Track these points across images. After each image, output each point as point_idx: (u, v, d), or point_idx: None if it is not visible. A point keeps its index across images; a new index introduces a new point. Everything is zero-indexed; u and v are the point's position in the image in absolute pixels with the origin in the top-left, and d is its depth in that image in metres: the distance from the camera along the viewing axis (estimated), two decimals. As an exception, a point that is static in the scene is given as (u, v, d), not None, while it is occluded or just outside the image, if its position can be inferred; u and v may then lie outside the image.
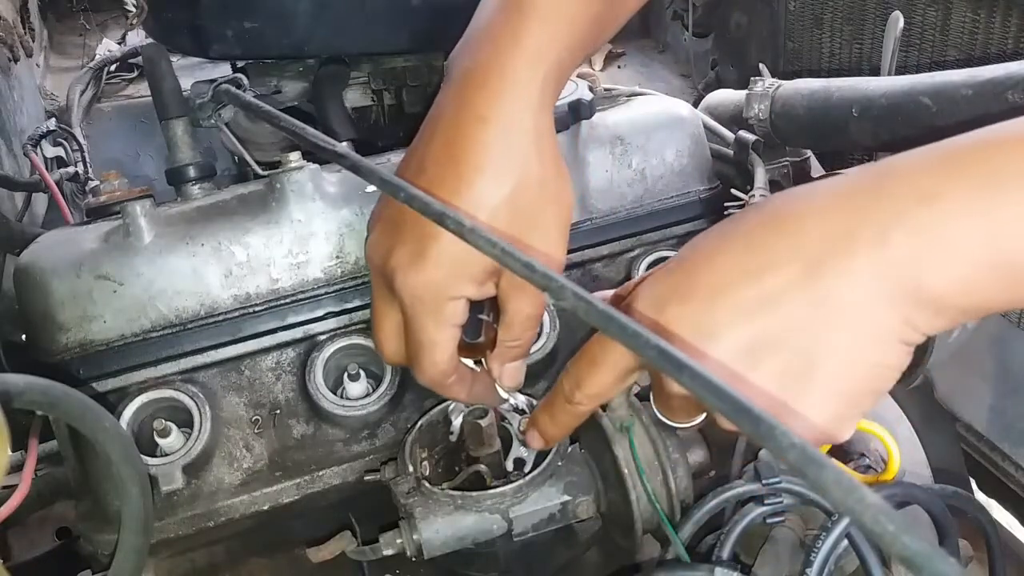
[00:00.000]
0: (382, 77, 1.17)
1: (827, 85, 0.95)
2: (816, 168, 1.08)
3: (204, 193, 0.88)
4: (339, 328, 0.83)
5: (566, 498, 0.73)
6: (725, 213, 0.91)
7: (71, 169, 1.32)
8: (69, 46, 1.98)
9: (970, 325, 0.80)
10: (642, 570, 0.77)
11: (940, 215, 0.47)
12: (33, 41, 1.60)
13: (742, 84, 1.06)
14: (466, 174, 0.63)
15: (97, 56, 1.85)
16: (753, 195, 0.91)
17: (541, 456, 0.75)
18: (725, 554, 0.68)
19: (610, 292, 0.64)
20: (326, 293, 0.83)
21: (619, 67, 1.93)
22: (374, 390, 0.81)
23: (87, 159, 1.35)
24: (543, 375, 0.84)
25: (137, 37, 1.88)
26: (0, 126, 1.28)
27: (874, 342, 0.50)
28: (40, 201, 1.29)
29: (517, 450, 0.77)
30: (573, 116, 0.89)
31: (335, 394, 0.81)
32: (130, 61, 1.77)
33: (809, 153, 1.07)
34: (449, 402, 0.79)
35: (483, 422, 0.72)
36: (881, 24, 1.10)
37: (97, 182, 1.28)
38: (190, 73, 1.43)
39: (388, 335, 0.69)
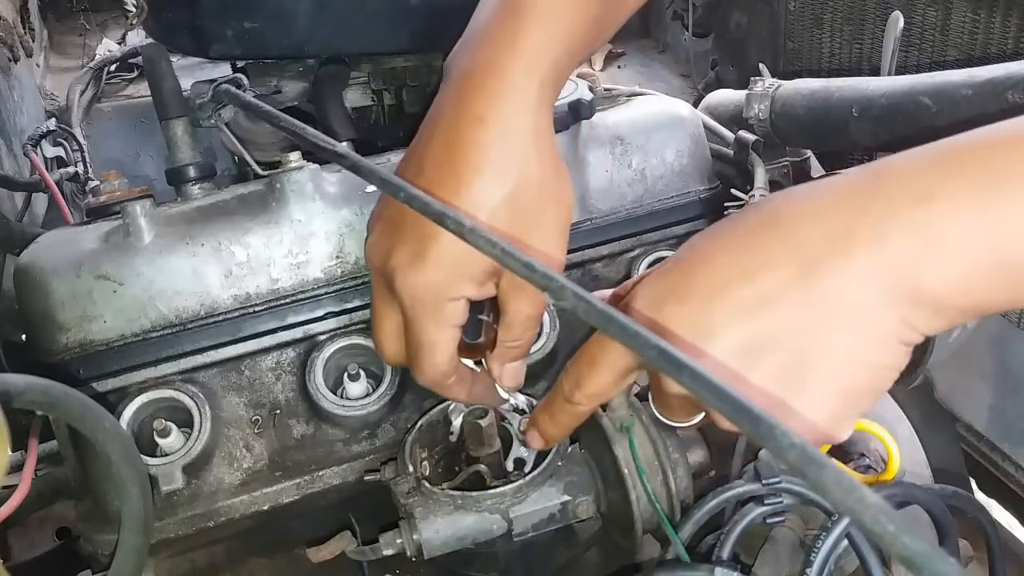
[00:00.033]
0: (382, 77, 1.17)
1: (827, 85, 0.95)
2: (816, 168, 1.08)
3: (204, 193, 0.88)
4: (339, 328, 0.83)
5: (566, 498, 0.73)
6: (725, 213, 0.91)
7: (71, 169, 1.32)
8: (69, 46, 1.98)
9: (970, 325, 0.80)
10: (642, 570, 0.77)
11: (938, 215, 0.47)
12: (33, 41, 1.60)
13: (742, 84, 1.06)
14: (465, 174, 0.63)
15: (97, 56, 1.85)
16: (753, 195, 0.91)
17: (541, 456, 0.75)
18: (725, 554, 0.68)
19: (609, 292, 0.64)
20: (326, 293, 0.83)
21: (619, 67, 1.93)
22: (374, 390, 0.81)
23: (87, 159, 1.35)
24: (543, 375, 0.84)
25: (137, 37, 1.88)
26: (0, 126, 1.28)
27: (872, 342, 0.50)
28: (40, 201, 1.29)
29: (517, 450, 0.77)
30: (573, 116, 0.89)
31: (335, 394, 0.81)
32: (130, 61, 1.77)
33: (809, 153, 1.07)
34: (449, 402, 0.79)
35: (483, 422, 0.73)
36: (881, 24, 1.10)
37: (97, 182, 1.28)
38: (190, 73, 1.43)
39: (388, 336, 0.69)
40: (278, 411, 0.83)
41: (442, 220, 0.53)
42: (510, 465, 0.76)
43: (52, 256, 0.80)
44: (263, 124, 1.05)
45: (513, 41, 0.63)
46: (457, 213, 0.53)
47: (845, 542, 0.66)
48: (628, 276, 0.91)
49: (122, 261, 0.79)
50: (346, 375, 0.80)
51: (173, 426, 0.76)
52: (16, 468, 0.72)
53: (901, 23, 1.01)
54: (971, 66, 0.81)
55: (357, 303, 0.83)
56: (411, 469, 0.74)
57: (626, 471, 0.71)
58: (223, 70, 1.24)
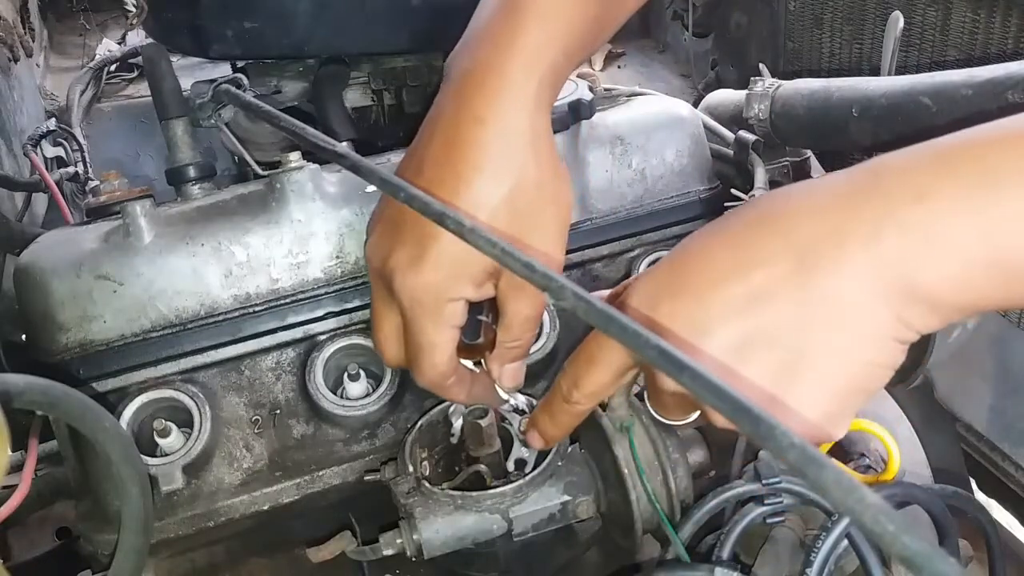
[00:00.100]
0: (382, 77, 1.17)
1: (827, 85, 0.95)
2: (816, 168, 1.09)
3: (204, 193, 0.88)
4: (339, 328, 0.83)
5: (566, 498, 0.73)
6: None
7: (71, 169, 1.32)
8: (69, 46, 1.98)
9: (970, 325, 0.80)
10: (642, 570, 0.77)
11: (934, 213, 0.47)
12: (33, 41, 1.60)
13: (742, 84, 1.06)
14: (465, 174, 0.63)
15: (97, 56, 1.85)
16: (753, 195, 0.91)
17: (542, 456, 0.75)
18: (725, 554, 0.68)
19: (607, 292, 0.64)
20: (326, 293, 0.83)
21: (619, 67, 1.93)
22: (374, 390, 0.81)
23: (87, 159, 1.35)
24: (543, 375, 0.84)
25: (137, 37, 1.88)
26: (0, 126, 1.28)
27: (868, 340, 0.50)
28: (40, 201, 1.29)
29: (518, 451, 0.77)
30: (573, 116, 0.89)
31: (335, 394, 0.81)
32: (130, 61, 1.77)
33: (809, 153, 1.07)
34: (449, 403, 0.79)
35: (483, 422, 0.72)
36: (881, 24, 1.10)
37: (97, 182, 1.28)
38: (190, 73, 1.43)
39: (388, 337, 0.69)
40: (278, 411, 0.83)
41: (442, 220, 0.53)
42: (511, 466, 0.76)
43: (52, 256, 0.80)
44: (263, 124, 1.05)
45: (512, 40, 0.63)
46: (457, 213, 0.53)
47: (845, 542, 0.66)
48: (628, 276, 0.91)
49: (122, 261, 0.79)
50: (346, 375, 0.80)
51: (173, 426, 0.76)
52: (16, 468, 0.72)
53: (901, 23, 1.01)
54: (971, 66, 0.81)
55: (357, 303, 0.83)
56: (411, 469, 0.74)
57: (626, 471, 0.71)
58: (223, 70, 1.24)
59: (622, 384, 0.65)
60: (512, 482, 0.72)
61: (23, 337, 0.83)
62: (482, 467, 0.73)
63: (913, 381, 0.81)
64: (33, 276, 0.79)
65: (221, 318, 0.81)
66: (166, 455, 0.77)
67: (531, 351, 0.78)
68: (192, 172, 0.89)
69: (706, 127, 1.01)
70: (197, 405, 0.78)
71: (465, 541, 0.72)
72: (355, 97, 1.18)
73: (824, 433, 0.52)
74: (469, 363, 0.72)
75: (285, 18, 1.04)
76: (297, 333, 0.83)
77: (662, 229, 0.93)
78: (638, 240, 0.92)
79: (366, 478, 0.79)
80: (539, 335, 0.83)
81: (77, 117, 1.56)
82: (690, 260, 0.56)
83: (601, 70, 1.88)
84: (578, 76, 0.96)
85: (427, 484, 0.73)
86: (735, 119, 1.05)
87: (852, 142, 0.92)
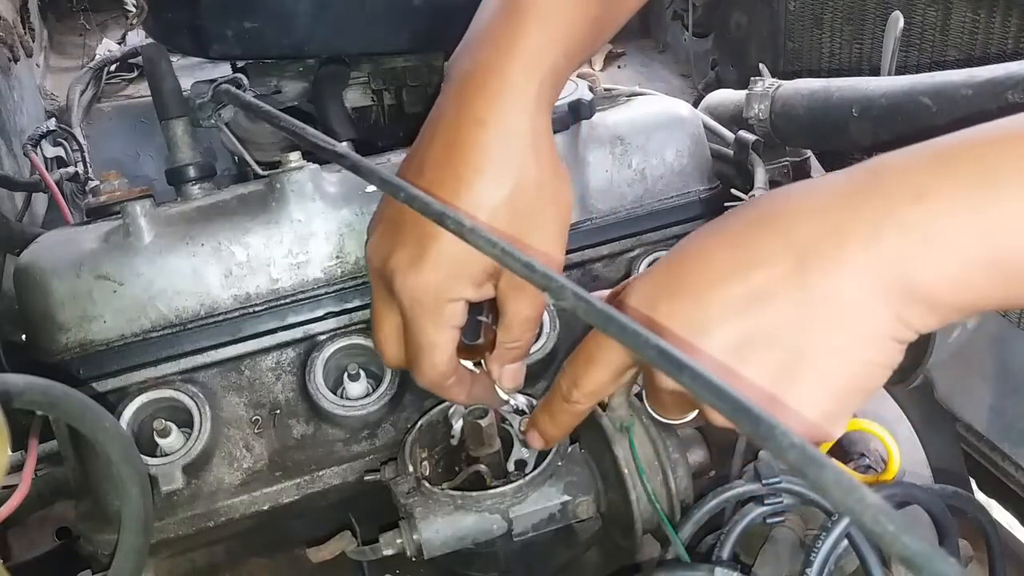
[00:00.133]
0: (382, 77, 1.17)
1: (827, 85, 0.95)
2: (816, 168, 1.09)
3: (204, 193, 0.88)
4: (339, 328, 0.83)
5: (566, 498, 0.73)
6: (725, 213, 0.91)
7: (71, 169, 1.32)
8: (69, 46, 1.98)
9: (970, 325, 0.80)
10: (642, 570, 0.77)
11: (933, 213, 0.47)
12: (33, 41, 1.60)
13: (742, 84, 1.06)
14: (465, 175, 0.63)
15: (97, 56, 1.85)
16: (753, 195, 0.91)
17: (542, 456, 0.75)
18: (725, 554, 0.68)
19: (607, 292, 0.64)
20: (326, 293, 0.83)
21: (619, 67, 1.93)
22: (374, 390, 0.81)
23: (87, 159, 1.35)
24: (543, 375, 0.84)
25: (137, 37, 1.88)
26: (0, 126, 1.28)
27: (866, 340, 0.50)
28: (40, 201, 1.29)
29: (518, 452, 0.77)
30: (573, 116, 0.89)
31: (335, 394, 0.81)
32: (130, 61, 1.77)
33: (809, 153, 1.07)
34: (449, 403, 0.79)
35: (483, 422, 0.72)
36: (881, 24, 1.10)
37: (97, 182, 1.28)
38: (190, 73, 1.43)
39: (388, 337, 0.69)
40: (278, 411, 0.83)
41: (442, 220, 0.53)
42: (511, 467, 0.76)
43: (52, 256, 0.80)
44: (263, 124, 1.05)
45: (513, 42, 0.63)
46: (457, 213, 0.53)
47: (845, 542, 0.66)
48: (628, 276, 0.91)
49: (122, 261, 0.79)
50: (346, 375, 0.80)
51: (173, 426, 0.76)
52: (16, 468, 0.72)
53: (901, 23, 1.01)
54: (971, 66, 0.81)
55: (357, 303, 0.83)
56: (411, 469, 0.74)
57: (626, 471, 0.71)
58: (223, 70, 1.24)
59: (622, 384, 0.65)
60: (512, 482, 0.72)
61: (23, 337, 0.83)
62: (482, 467, 0.73)
63: (913, 381, 0.81)
64: (33, 276, 0.79)
65: (221, 318, 0.81)
66: (166, 455, 0.77)
67: (531, 351, 0.78)
68: (192, 172, 0.89)
69: (706, 127, 1.01)
70: (197, 405, 0.78)
71: (465, 541, 0.72)
72: (355, 97, 1.18)
73: (823, 433, 0.52)
74: (469, 363, 0.72)
75: (285, 18, 1.04)
76: (297, 333, 0.83)
77: (662, 229, 0.93)
78: (638, 240, 0.92)
79: (366, 478, 0.79)
80: (539, 335, 0.83)
81: (77, 117, 1.56)
82: (689, 260, 0.56)
83: (601, 70, 1.88)
84: (578, 76, 0.96)
85: (427, 484, 0.73)
86: (735, 119, 1.05)
87: (852, 142, 0.92)
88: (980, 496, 1.05)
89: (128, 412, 0.77)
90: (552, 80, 0.65)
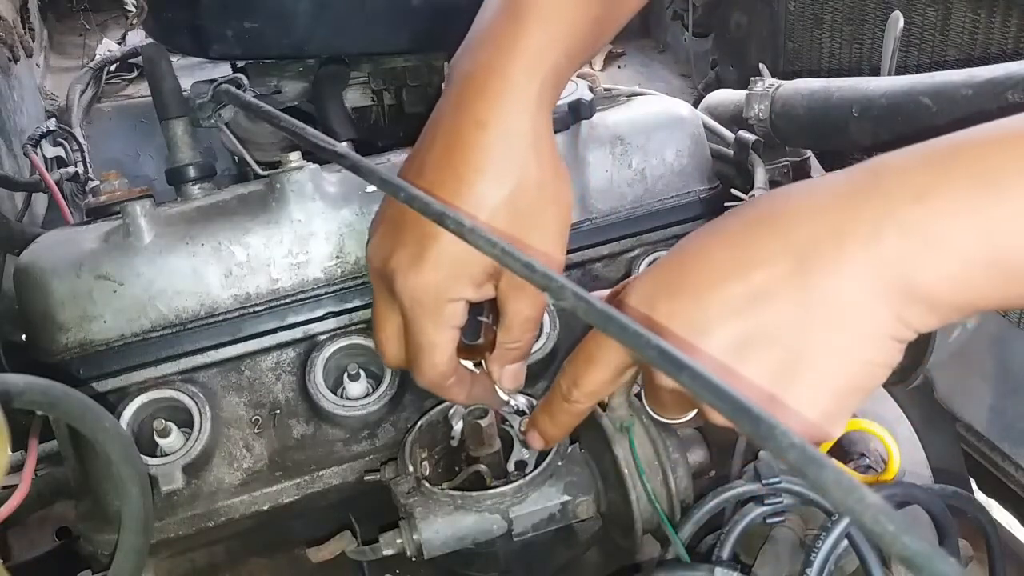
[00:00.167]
0: (382, 77, 1.17)
1: (827, 85, 0.95)
2: (816, 168, 1.09)
3: (204, 193, 0.88)
4: (339, 328, 0.83)
5: (566, 498, 0.73)
6: (725, 213, 0.91)
7: (71, 169, 1.32)
8: (69, 46, 1.98)
9: (970, 325, 0.80)
10: (642, 570, 0.77)
11: (933, 213, 0.47)
12: (33, 41, 1.60)
13: (742, 84, 1.06)
14: (466, 176, 0.63)
15: (97, 56, 1.85)
16: (753, 195, 0.91)
17: (542, 456, 0.75)
18: (725, 554, 0.68)
19: (607, 292, 0.64)
20: (326, 293, 0.83)
21: (619, 67, 1.93)
22: (374, 390, 0.81)
23: (87, 159, 1.35)
24: (543, 375, 0.84)
25: (137, 37, 1.88)
26: (0, 126, 1.28)
27: (867, 340, 0.50)
28: (40, 201, 1.29)
29: (519, 452, 0.77)
30: (573, 116, 0.89)
31: (335, 394, 0.81)
32: (130, 61, 1.77)
33: (809, 153, 1.07)
34: (449, 403, 0.79)
35: (483, 422, 0.72)
36: (881, 24, 1.10)
37: (97, 182, 1.28)
38: (190, 73, 1.44)
39: (389, 338, 0.69)
40: (278, 411, 0.83)
41: (442, 220, 0.53)
42: (511, 468, 0.76)
43: (52, 256, 0.80)
44: (263, 124, 1.05)
45: (514, 43, 0.63)
46: (457, 213, 0.53)
47: (845, 542, 0.66)
48: (628, 276, 0.91)
49: (122, 261, 0.79)
50: (346, 375, 0.80)
51: (173, 426, 0.76)
52: (16, 468, 0.72)
53: (901, 23, 1.01)
54: (971, 66, 0.81)
55: (357, 303, 0.83)
56: (411, 469, 0.74)
57: (626, 471, 0.71)
58: (223, 70, 1.24)
59: (622, 383, 0.65)
60: (512, 482, 0.72)
61: (23, 337, 0.83)
62: (482, 467, 0.73)
63: (913, 381, 0.81)
64: (33, 276, 0.79)
65: (221, 318, 0.81)
66: (166, 455, 0.77)
67: (531, 351, 0.78)
68: (192, 172, 0.89)
69: (706, 127, 1.01)
70: (197, 405, 0.78)
71: (465, 541, 0.72)
72: (355, 97, 1.19)
73: (823, 432, 0.52)
74: (470, 364, 0.72)
75: (285, 18, 1.04)
76: (297, 333, 0.83)
77: (662, 229, 0.93)
78: (638, 240, 0.92)
79: (366, 478, 0.79)
80: (539, 335, 0.83)
81: (77, 117, 1.56)
82: (689, 260, 0.56)
83: (601, 70, 1.88)
84: (578, 76, 0.95)
85: (427, 484, 0.73)
86: (735, 119, 1.05)
87: (852, 142, 0.92)
88: (980, 496, 1.05)
89: (128, 412, 0.77)
90: (553, 81, 0.65)
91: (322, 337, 0.83)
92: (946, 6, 1.08)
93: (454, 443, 0.78)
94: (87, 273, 0.78)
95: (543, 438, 0.67)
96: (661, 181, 0.93)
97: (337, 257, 0.83)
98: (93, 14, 2.00)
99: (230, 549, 0.85)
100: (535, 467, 0.74)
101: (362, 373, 0.81)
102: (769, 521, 0.69)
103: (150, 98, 0.91)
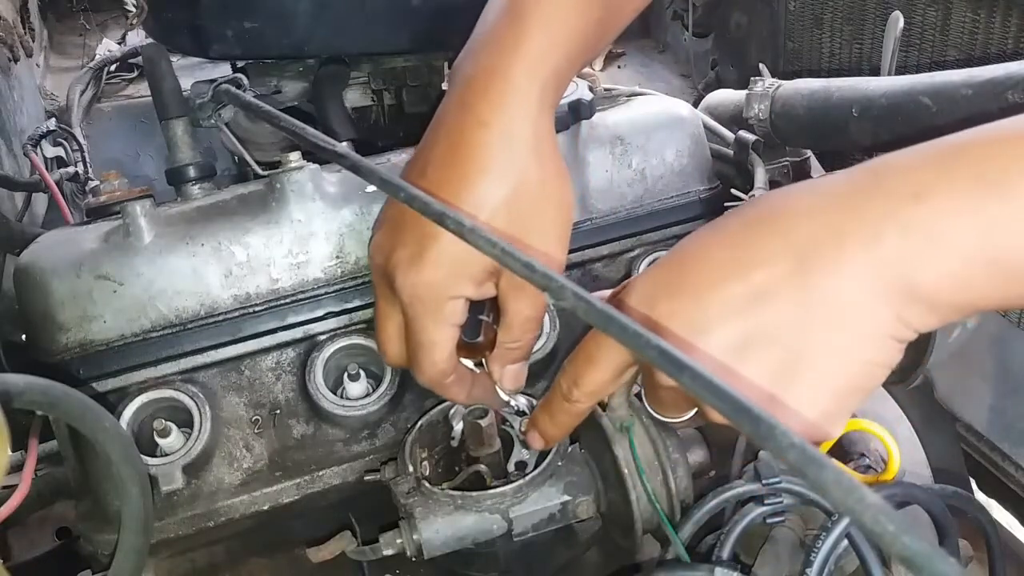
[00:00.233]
0: (382, 77, 1.17)
1: (827, 85, 0.95)
2: (816, 168, 1.09)
3: (204, 193, 0.88)
4: (339, 328, 0.83)
5: (566, 498, 0.73)
6: (725, 213, 0.91)
7: (71, 169, 1.32)
8: (69, 46, 1.98)
9: (970, 325, 0.80)
10: (642, 570, 0.77)
11: (933, 213, 0.47)
12: (33, 41, 1.60)
13: (742, 84, 1.06)
14: (468, 174, 0.63)
15: (97, 56, 1.85)
16: (753, 195, 0.91)
17: (542, 457, 0.75)
18: (725, 554, 0.68)
19: (608, 292, 0.64)
20: (326, 293, 0.83)
21: (619, 67, 1.93)
22: (374, 390, 0.81)
23: (87, 159, 1.35)
24: (543, 375, 0.84)
25: (137, 37, 1.88)
26: (0, 126, 1.28)
27: (867, 339, 0.50)
28: (40, 201, 1.29)
29: (519, 453, 0.77)
30: (573, 116, 0.89)
31: (335, 394, 0.81)
32: (130, 61, 1.77)
33: (809, 153, 1.07)
34: (450, 403, 0.79)
35: (483, 422, 0.72)
36: (881, 24, 1.10)
37: (97, 182, 1.28)
38: (190, 73, 1.43)
39: (390, 337, 0.69)
40: (278, 411, 0.83)
41: (442, 220, 0.53)
42: (512, 468, 0.76)
43: (52, 256, 0.80)
44: (263, 124, 1.05)
45: (516, 46, 0.64)
46: (457, 213, 0.53)
47: (845, 542, 0.66)
48: (628, 276, 0.91)
49: (122, 261, 0.79)
50: (346, 375, 0.80)
51: (173, 426, 0.76)
52: (16, 468, 0.72)
53: (901, 23, 1.01)
54: (971, 66, 0.81)
55: (357, 303, 0.83)
56: (411, 469, 0.74)
57: (626, 471, 0.71)
58: (223, 70, 1.24)
59: (622, 383, 0.65)
60: (512, 482, 0.72)
61: (23, 337, 0.83)
62: (482, 467, 0.73)
63: (913, 381, 0.81)
64: (33, 276, 0.79)
65: (221, 318, 0.81)
66: (166, 455, 0.76)
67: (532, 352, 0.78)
68: (192, 172, 0.89)
69: (706, 127, 1.01)
70: (197, 405, 0.78)
71: (465, 541, 0.72)
72: (355, 97, 1.18)
73: (823, 432, 0.52)
74: (470, 363, 0.72)
75: (285, 18, 1.04)
76: (297, 333, 0.83)
77: (662, 229, 0.93)
78: (638, 240, 0.92)
79: (366, 478, 0.79)
80: (539, 335, 0.83)
81: (77, 117, 1.56)
82: (689, 260, 0.56)
83: (601, 70, 1.88)
84: (578, 76, 0.96)
85: (427, 484, 0.73)
86: (735, 119, 1.05)
87: (852, 142, 0.92)
88: (980, 496, 1.05)
89: (128, 412, 0.77)
90: (555, 83, 0.65)
91: (322, 337, 0.83)
92: (946, 6, 1.08)
93: (454, 443, 0.78)
94: (87, 273, 0.78)
95: (543, 438, 0.67)
96: (661, 181, 0.93)
97: (337, 257, 0.83)
98: (93, 14, 2.00)
99: (230, 549, 0.85)
100: (535, 467, 0.74)
101: (362, 373, 0.81)
102: (769, 521, 0.69)
103: (150, 98, 0.91)
